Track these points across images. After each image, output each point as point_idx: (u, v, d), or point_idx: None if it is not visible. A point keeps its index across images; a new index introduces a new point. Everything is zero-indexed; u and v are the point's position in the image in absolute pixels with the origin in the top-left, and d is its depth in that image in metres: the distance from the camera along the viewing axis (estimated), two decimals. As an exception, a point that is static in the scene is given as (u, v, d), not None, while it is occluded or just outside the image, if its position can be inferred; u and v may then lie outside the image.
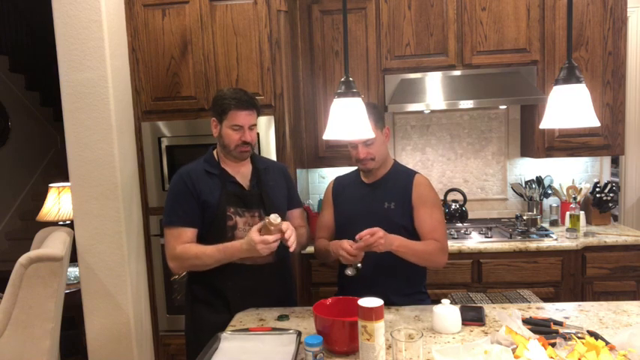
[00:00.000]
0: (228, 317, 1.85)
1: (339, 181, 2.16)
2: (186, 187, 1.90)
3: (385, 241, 1.74)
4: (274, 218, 1.72)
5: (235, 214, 1.92)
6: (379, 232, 1.73)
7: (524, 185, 3.28)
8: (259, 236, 1.72)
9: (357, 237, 1.75)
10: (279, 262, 1.99)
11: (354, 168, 2.14)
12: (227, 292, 1.93)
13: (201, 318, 1.95)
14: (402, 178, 2.01)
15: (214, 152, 2.02)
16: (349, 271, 1.83)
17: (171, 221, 1.90)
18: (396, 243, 1.80)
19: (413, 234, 1.97)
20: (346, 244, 1.78)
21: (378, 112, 1.99)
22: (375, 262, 1.89)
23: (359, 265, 1.81)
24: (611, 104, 2.95)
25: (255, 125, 1.94)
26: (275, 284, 2.00)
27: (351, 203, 2.05)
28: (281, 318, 1.82)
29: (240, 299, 1.93)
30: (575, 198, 3.08)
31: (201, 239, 1.91)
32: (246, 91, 1.96)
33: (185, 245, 1.87)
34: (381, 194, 2.00)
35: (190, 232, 1.89)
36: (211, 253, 1.83)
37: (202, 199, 1.89)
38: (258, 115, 1.96)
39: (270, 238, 1.72)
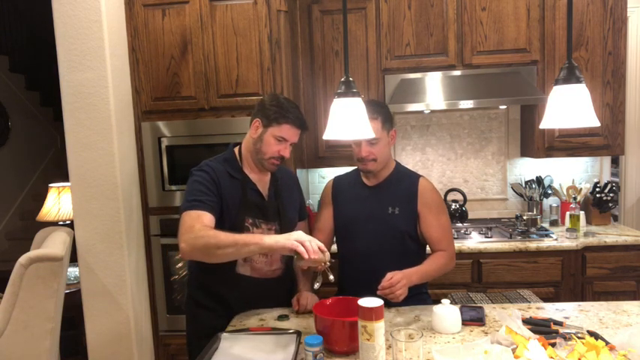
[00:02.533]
0: (225, 319, 1.83)
1: (338, 181, 2.11)
2: (211, 178, 1.79)
3: (407, 284, 1.73)
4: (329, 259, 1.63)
5: (253, 225, 1.85)
6: (402, 280, 1.70)
7: (524, 185, 3.28)
8: (306, 235, 1.58)
9: (378, 292, 1.67)
10: (286, 273, 1.98)
11: (354, 168, 2.12)
12: (231, 300, 1.89)
13: (203, 322, 1.92)
14: (406, 182, 1.97)
15: (235, 151, 1.92)
16: (316, 285, 1.76)
17: (192, 205, 1.72)
18: (414, 278, 1.78)
19: (416, 239, 1.97)
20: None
21: (387, 112, 1.95)
22: (377, 267, 1.89)
23: (331, 277, 1.71)
24: (611, 104, 2.95)
25: (294, 143, 1.89)
26: (279, 294, 1.97)
27: (351, 206, 2.00)
28: (281, 318, 1.82)
29: (245, 308, 1.90)
30: (575, 198, 3.08)
31: None
32: (299, 109, 1.90)
33: (206, 226, 1.68)
34: (383, 198, 1.95)
35: (210, 217, 1.71)
36: (229, 234, 1.63)
37: (224, 200, 1.79)
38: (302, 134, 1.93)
39: (319, 252, 1.56)
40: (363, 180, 2.03)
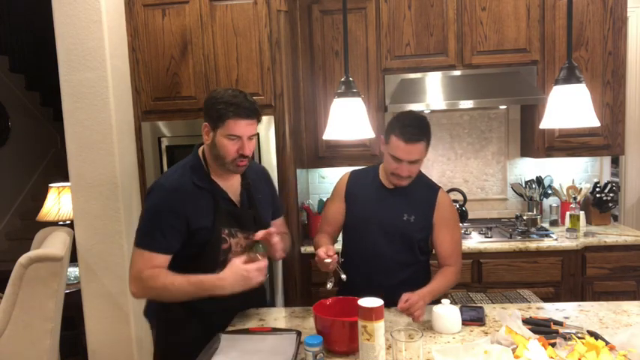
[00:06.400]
0: (201, 332, 1.69)
1: (355, 178, 2.01)
2: (172, 208, 1.64)
3: (424, 305, 1.70)
4: (261, 248, 1.66)
5: (229, 235, 1.73)
6: (419, 302, 1.66)
7: (524, 185, 3.28)
8: (250, 264, 1.58)
9: (399, 308, 1.67)
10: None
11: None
12: (204, 306, 1.71)
13: (175, 333, 1.76)
14: (425, 192, 1.94)
15: (200, 153, 1.75)
16: (328, 284, 1.75)
17: (145, 243, 1.64)
18: (428, 299, 1.75)
19: (425, 250, 1.96)
20: (321, 251, 1.71)
21: (430, 130, 1.89)
22: (380, 271, 1.88)
23: (343, 276, 1.73)
24: (611, 104, 2.95)
25: (255, 135, 1.70)
26: (255, 290, 1.73)
27: (366, 206, 1.94)
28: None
29: (219, 314, 1.76)
30: (575, 198, 3.08)
31: (192, 263, 1.67)
32: (245, 94, 1.67)
33: (154, 271, 1.62)
34: (401, 204, 1.91)
35: (164, 259, 1.64)
36: (181, 285, 1.60)
37: (193, 224, 1.66)
38: (259, 122, 1.71)
39: (262, 263, 1.60)
40: (382, 181, 1.96)
